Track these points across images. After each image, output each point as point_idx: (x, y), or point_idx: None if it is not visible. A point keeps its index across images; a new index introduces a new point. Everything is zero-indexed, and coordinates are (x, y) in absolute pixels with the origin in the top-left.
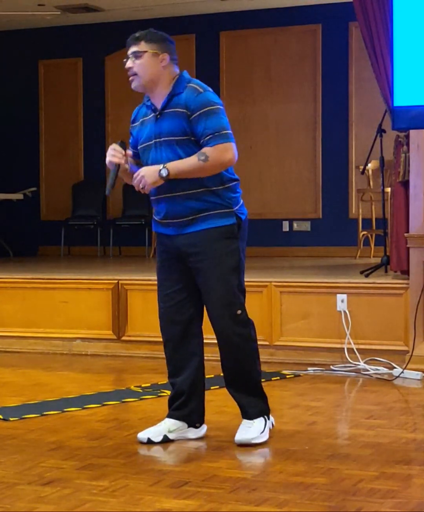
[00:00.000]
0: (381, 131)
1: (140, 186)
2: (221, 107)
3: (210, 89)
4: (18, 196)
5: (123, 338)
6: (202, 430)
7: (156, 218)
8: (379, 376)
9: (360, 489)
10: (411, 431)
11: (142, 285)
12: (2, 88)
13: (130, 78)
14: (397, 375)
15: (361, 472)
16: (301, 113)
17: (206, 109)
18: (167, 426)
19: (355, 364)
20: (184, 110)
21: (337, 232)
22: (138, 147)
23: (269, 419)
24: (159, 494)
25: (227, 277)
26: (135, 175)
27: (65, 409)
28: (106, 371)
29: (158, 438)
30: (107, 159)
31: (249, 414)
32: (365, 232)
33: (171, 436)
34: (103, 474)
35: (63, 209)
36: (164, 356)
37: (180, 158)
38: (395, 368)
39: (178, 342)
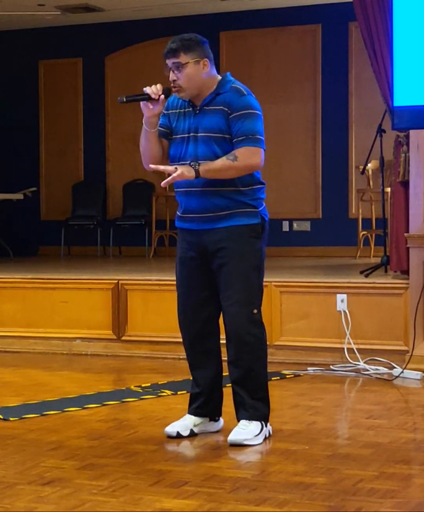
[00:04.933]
0: (381, 131)
1: (179, 173)
2: (260, 113)
3: (252, 93)
4: (18, 196)
5: (123, 338)
6: (221, 422)
7: (179, 213)
8: (379, 376)
9: (360, 489)
10: (411, 431)
11: (142, 285)
12: (2, 88)
13: (175, 90)
14: (397, 375)
15: (361, 472)
16: (301, 113)
17: (246, 111)
18: (192, 420)
19: (355, 364)
20: (225, 109)
21: (337, 232)
22: (172, 138)
23: (266, 426)
24: (159, 494)
25: (248, 275)
26: (170, 169)
27: (65, 409)
28: (106, 371)
29: (186, 432)
30: (146, 87)
31: (248, 416)
32: (365, 232)
33: (196, 429)
34: (103, 474)
35: (63, 209)
36: (164, 355)
37: (215, 154)
38: (395, 368)
39: (196, 340)
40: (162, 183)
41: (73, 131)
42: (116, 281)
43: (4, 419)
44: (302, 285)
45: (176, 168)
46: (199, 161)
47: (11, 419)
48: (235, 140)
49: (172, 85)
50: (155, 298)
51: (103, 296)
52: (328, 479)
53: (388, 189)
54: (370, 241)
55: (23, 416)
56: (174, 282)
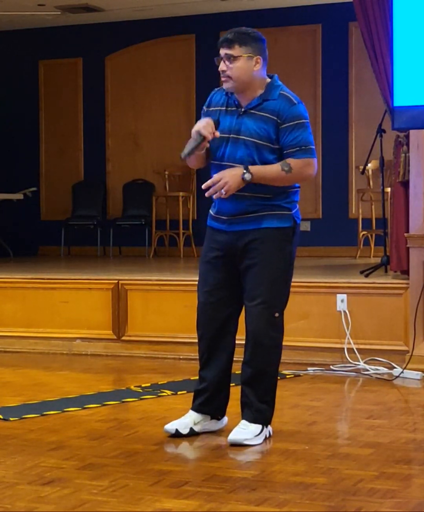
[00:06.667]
0: (381, 131)
1: (222, 192)
2: (308, 121)
3: (301, 101)
4: (18, 196)
5: (123, 338)
6: (224, 421)
7: (212, 212)
8: (379, 376)
9: (360, 489)
10: (411, 431)
11: (142, 285)
12: (2, 88)
13: (223, 79)
14: (397, 375)
15: (361, 472)
16: None
17: (298, 121)
18: (193, 418)
19: (355, 364)
20: (275, 118)
21: (337, 232)
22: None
23: (266, 427)
24: (159, 494)
25: (275, 277)
26: (215, 178)
27: (65, 409)
28: (106, 371)
29: (185, 431)
30: (197, 128)
31: (252, 418)
32: (365, 232)
33: (196, 428)
34: (103, 474)
35: (63, 209)
36: (164, 355)
37: (254, 159)
38: (395, 368)
39: (214, 339)
40: (206, 194)
41: (73, 131)
42: (116, 281)
43: (4, 419)
44: (302, 285)
45: (225, 181)
46: (250, 167)
47: (11, 419)
48: (287, 151)
49: (222, 75)
50: (155, 298)
51: (103, 296)
52: (328, 479)
53: (388, 189)
54: (370, 241)
55: (23, 416)
56: (175, 282)
